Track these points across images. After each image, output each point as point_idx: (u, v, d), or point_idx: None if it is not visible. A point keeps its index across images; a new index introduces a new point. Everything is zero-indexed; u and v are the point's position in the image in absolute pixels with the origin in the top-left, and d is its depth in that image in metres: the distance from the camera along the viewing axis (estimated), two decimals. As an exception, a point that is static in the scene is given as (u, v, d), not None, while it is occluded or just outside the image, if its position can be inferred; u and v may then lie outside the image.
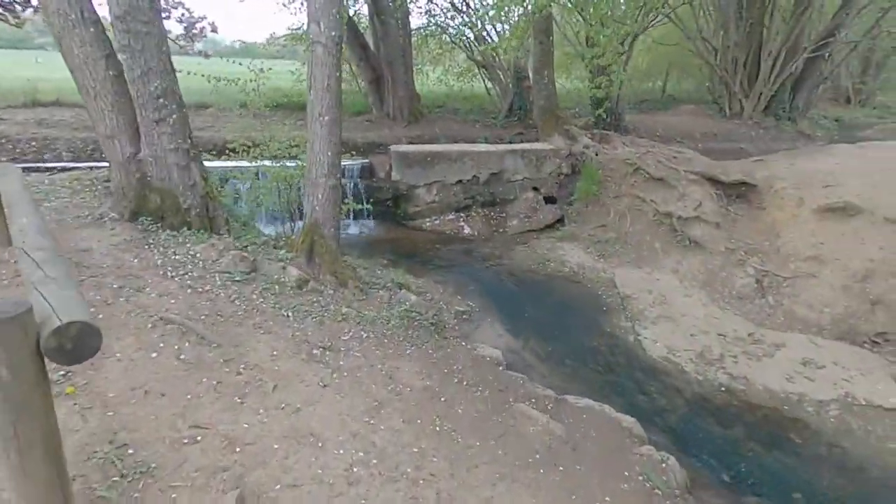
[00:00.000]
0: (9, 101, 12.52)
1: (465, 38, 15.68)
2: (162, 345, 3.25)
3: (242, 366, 3.26)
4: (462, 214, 9.71)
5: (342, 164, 9.85)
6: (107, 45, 4.77)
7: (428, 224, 9.54)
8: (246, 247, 5.48)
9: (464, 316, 6.06)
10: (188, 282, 4.32)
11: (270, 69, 6.73)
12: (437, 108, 15.56)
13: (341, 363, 3.77)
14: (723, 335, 5.70)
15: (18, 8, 9.92)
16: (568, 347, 5.54)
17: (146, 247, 4.73)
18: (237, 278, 4.59)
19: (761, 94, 14.68)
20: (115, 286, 3.91)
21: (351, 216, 9.63)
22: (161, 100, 4.83)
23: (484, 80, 16.22)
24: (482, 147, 10.29)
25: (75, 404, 2.55)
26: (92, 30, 4.68)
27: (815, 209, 7.25)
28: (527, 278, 7.32)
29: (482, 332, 5.77)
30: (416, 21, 15.77)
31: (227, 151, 6.93)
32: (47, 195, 5.68)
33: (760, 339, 5.62)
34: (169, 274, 4.37)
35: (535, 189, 10.08)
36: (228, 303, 4.18)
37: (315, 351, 3.82)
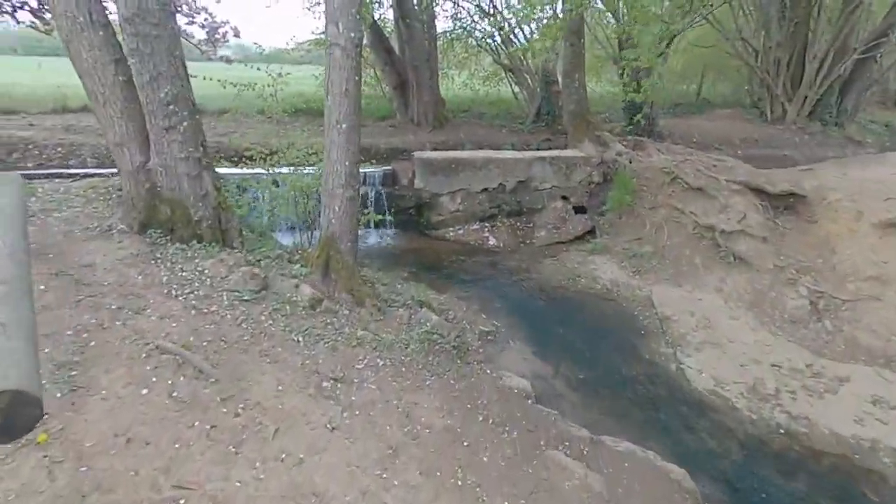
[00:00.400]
0: (40, 107, 12.70)
1: (491, 41, 15.29)
2: (154, 379, 2.93)
3: (242, 405, 2.92)
4: (487, 224, 9.29)
5: (363, 171, 9.65)
6: (116, 50, 4.54)
7: (451, 234, 9.15)
8: (259, 261, 5.18)
9: (488, 336, 5.65)
10: (193, 301, 4.03)
11: (289, 74, 6.44)
12: (462, 113, 15.18)
13: (353, 398, 3.40)
14: (777, 366, 5.13)
15: (48, 16, 9.94)
16: (602, 375, 5.07)
17: (153, 262, 4.46)
18: (246, 297, 4.27)
19: (806, 97, 13.85)
20: (113, 307, 3.63)
21: (371, 225, 9.34)
22: (171, 106, 4.57)
23: (511, 84, 15.79)
24: (509, 154, 9.86)
25: (45, 457, 2.24)
26: (101, 33, 4.45)
27: (875, 224, 6.60)
28: (556, 295, 6.85)
29: (508, 355, 5.34)
30: (441, 24, 15.43)
31: (243, 159, 6.69)
32: (60, 204, 5.49)
33: (820, 371, 5.03)
34: (173, 293, 4.09)
35: (565, 198, 9.60)
36: (234, 326, 3.86)
37: (325, 383, 3.46)
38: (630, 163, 9.37)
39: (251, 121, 10.73)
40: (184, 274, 4.38)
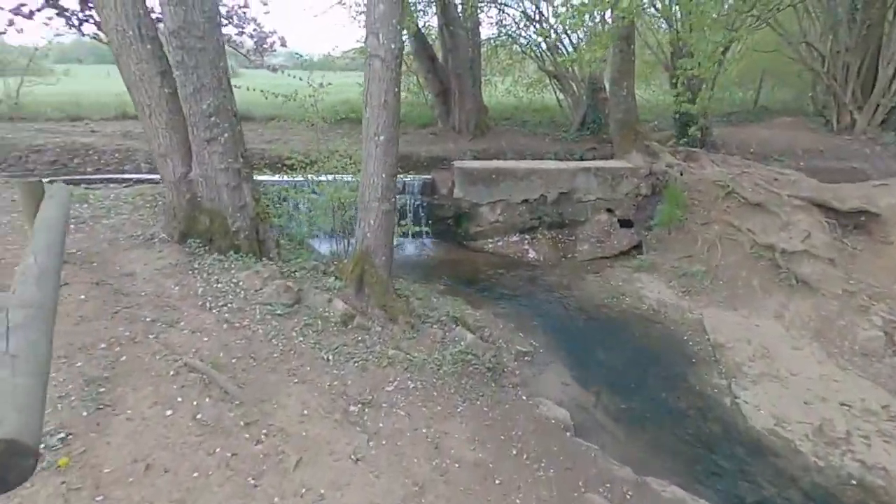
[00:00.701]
0: (103, 114, 13.40)
1: (536, 47, 15.02)
2: (180, 399, 2.88)
3: (265, 431, 2.82)
4: (527, 236, 9.02)
5: (402, 179, 9.59)
6: (163, 62, 4.62)
7: (490, 246, 8.94)
8: (294, 272, 5.15)
9: (525, 357, 5.40)
10: (226, 315, 4.00)
11: (329, 84, 6.43)
12: (504, 121, 14.96)
13: (381, 425, 3.25)
14: (847, 405, 4.64)
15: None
16: (648, 406, 4.72)
17: (190, 272, 4.49)
18: (278, 311, 4.21)
19: (878, 105, 12.81)
20: (148, 319, 3.63)
21: (409, 235, 9.26)
22: (213, 118, 4.60)
23: (555, 92, 15.45)
24: (552, 164, 9.56)
25: (63, 483, 2.20)
26: (149, 46, 4.53)
27: (964, 248, 5.93)
28: (598, 315, 6.52)
29: (546, 379, 5.08)
30: (486, 31, 15.27)
31: (283, 167, 6.72)
32: (109, 211, 5.65)
33: (899, 414, 4.51)
34: (208, 305, 4.07)
35: (609, 211, 9.21)
36: (265, 342, 3.79)
37: (352, 408, 3.33)
38: (681, 175, 8.89)
39: (298, 128, 10.83)
40: (219, 286, 4.37)
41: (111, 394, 2.77)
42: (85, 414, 2.59)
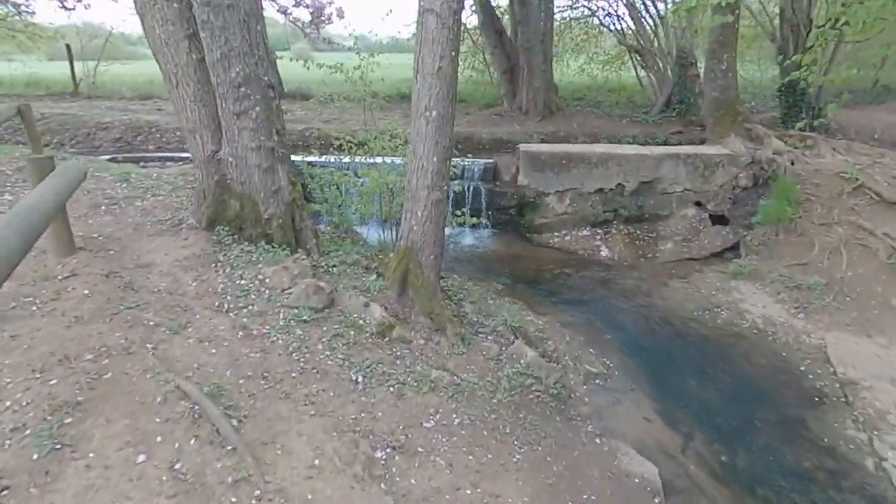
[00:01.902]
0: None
1: (617, 19, 13.56)
2: (160, 439, 2.28)
3: (258, 493, 2.17)
4: (600, 231, 7.96)
5: (461, 163, 8.77)
6: (191, 24, 4.03)
7: (557, 240, 7.97)
8: (332, 266, 4.53)
9: (597, 380, 4.50)
10: (244, 319, 3.41)
11: (380, 55, 5.68)
12: (576, 101, 13.69)
13: (413, 482, 2.53)
14: None
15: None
16: (759, 462, 3.70)
17: (213, 265, 3.95)
18: (305, 317, 3.58)
19: None
20: (151, 323, 3.10)
21: (465, 225, 8.46)
22: (242, 88, 3.99)
23: (636, 68, 13.94)
24: (632, 149, 8.37)
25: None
26: (175, 5, 3.97)
27: None
28: (687, 330, 5.45)
29: (623, 412, 4.16)
30: (560, 1, 13.95)
31: (331, 149, 6.12)
32: (146, 192, 5.28)
33: None
34: (225, 306, 3.51)
35: (699, 205, 7.94)
36: (284, 356, 3.17)
37: (379, 453, 2.63)
38: (792, 164, 7.45)
39: (358, 108, 10.17)
40: (242, 282, 3.80)
41: (77, 427, 2.23)
42: (35, 457, 2.05)
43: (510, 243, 8.04)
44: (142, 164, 7.27)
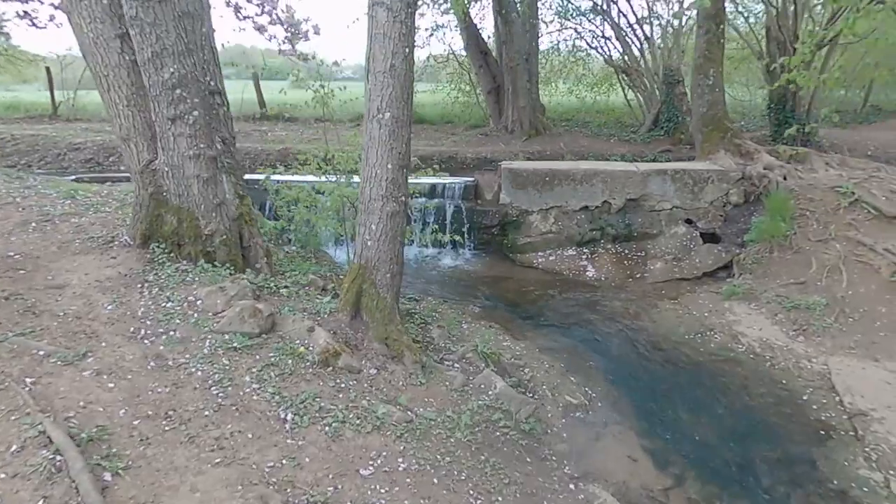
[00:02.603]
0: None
1: (604, 40, 13.46)
2: (-3, 501, 1.80)
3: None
4: (586, 250, 7.56)
5: (441, 182, 8.42)
6: (123, 22, 3.69)
7: (541, 260, 7.56)
8: (283, 287, 4.08)
9: (577, 413, 4.02)
10: (160, 348, 2.95)
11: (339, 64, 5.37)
12: (564, 122, 13.50)
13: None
14: None
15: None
16: (760, 508, 3.20)
17: (139, 286, 3.50)
18: (235, 344, 3.12)
19: None
20: (41, 353, 2.63)
21: (449, 245, 8.06)
22: (178, 91, 3.63)
23: (624, 89, 13.80)
24: (619, 166, 8.06)
25: None
26: (104, 1, 3.64)
27: None
28: (677, 355, 4.99)
29: (605, 449, 3.67)
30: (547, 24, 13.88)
31: (297, 164, 5.74)
32: (89, 209, 4.85)
33: None
34: (142, 332, 3.05)
35: (689, 222, 7.57)
36: (200, 391, 2.70)
37: (294, 515, 2.13)
38: (784, 179, 7.12)
39: (342, 127, 9.84)
40: (168, 305, 3.35)
41: None
42: None
43: (492, 264, 7.63)
44: (108, 183, 6.87)
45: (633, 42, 12.42)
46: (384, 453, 2.70)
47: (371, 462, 2.62)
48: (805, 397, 4.25)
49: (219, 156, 3.93)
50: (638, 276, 7.01)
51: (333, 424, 2.77)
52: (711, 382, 4.56)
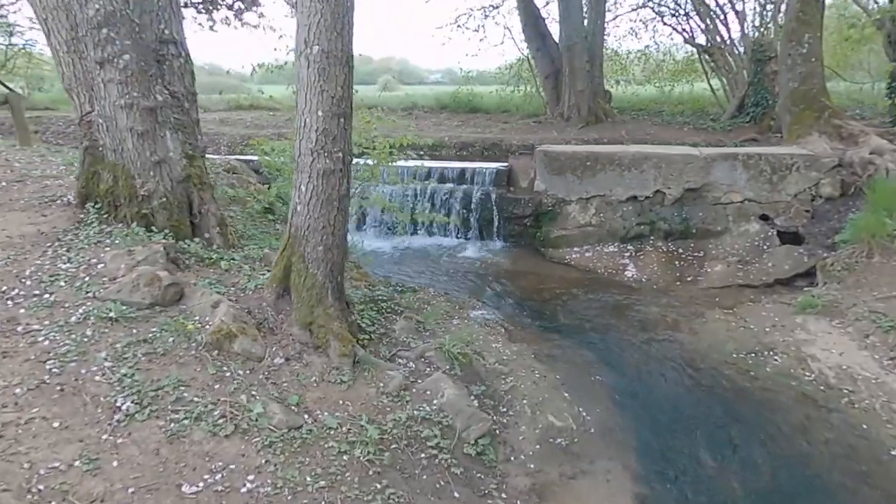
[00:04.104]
0: (228, 103, 13.91)
1: (684, 17, 11.90)
2: None
3: None
4: (630, 247, 6.44)
5: (471, 166, 7.65)
6: (62, -41, 3.39)
7: (574, 256, 6.55)
8: (226, 259, 3.59)
9: (559, 439, 3.12)
10: (20, 311, 2.53)
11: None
12: (636, 112, 12.11)
13: None
14: None
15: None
16: None
17: (48, 245, 3.15)
18: (113, 315, 2.63)
19: None
20: None
21: (478, 233, 7.28)
22: (104, 30, 3.24)
23: (707, 74, 12.11)
24: (675, 149, 6.82)
25: None
26: (41, -65, 3.35)
27: None
28: (716, 379, 3.85)
29: (584, 492, 2.76)
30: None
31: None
32: (67, 169, 4.66)
33: None
34: (12, 294, 2.66)
35: (765, 218, 6.18)
36: (32, 364, 2.22)
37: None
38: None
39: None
40: (64, 266, 2.96)
41: None
42: None
43: (518, 258, 6.73)
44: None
45: (717, 15, 10.80)
46: (232, 466, 2.05)
47: (207, 476, 1.98)
48: (894, 452, 3.00)
49: (159, 108, 3.51)
50: (689, 279, 5.78)
51: (183, 421, 2.17)
52: (757, 418, 3.40)
